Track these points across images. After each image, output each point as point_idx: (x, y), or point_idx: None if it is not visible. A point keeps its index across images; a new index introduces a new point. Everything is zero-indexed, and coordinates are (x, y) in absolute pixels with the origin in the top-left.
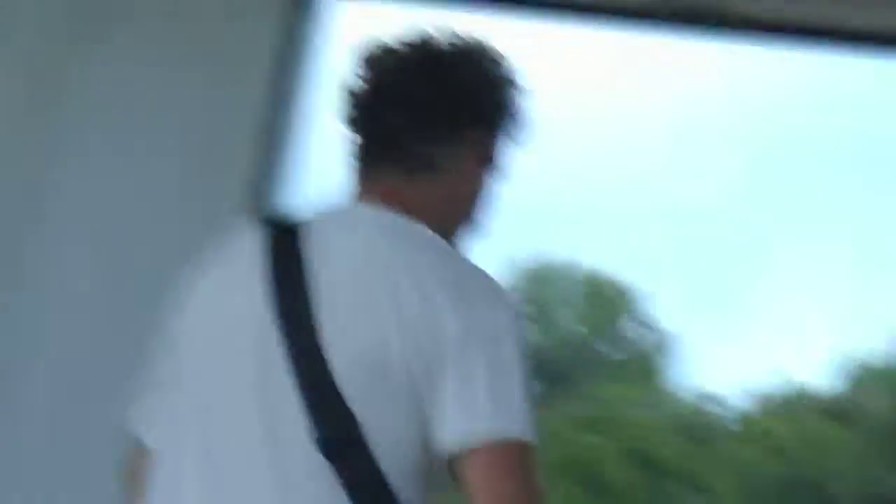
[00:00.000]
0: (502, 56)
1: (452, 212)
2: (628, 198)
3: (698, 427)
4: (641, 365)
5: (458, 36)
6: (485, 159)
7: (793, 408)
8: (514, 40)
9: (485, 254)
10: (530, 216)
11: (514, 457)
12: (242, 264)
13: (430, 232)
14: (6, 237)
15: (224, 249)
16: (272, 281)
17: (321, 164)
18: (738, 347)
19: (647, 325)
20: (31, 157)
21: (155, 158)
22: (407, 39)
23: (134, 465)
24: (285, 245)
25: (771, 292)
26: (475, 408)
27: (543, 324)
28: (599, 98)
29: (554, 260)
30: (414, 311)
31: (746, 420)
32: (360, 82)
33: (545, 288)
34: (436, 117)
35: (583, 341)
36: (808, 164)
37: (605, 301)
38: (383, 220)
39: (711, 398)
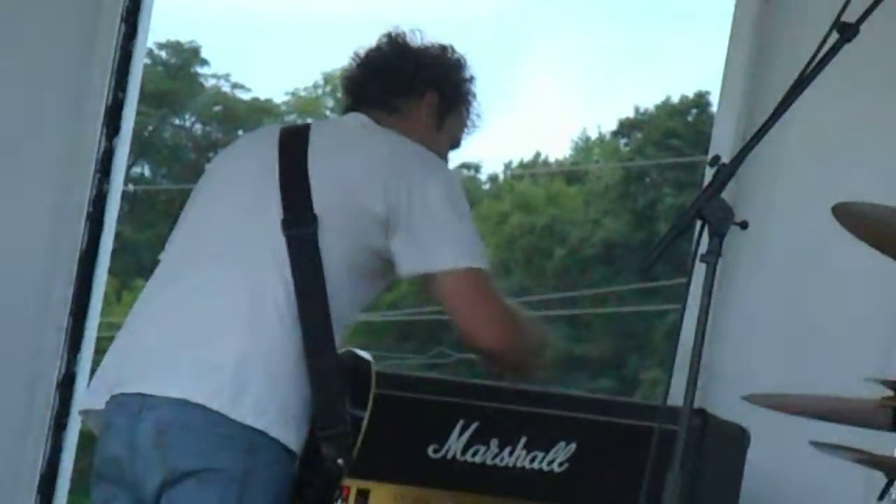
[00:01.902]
0: (453, 51)
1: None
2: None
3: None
4: None
5: (421, 36)
6: (437, 113)
7: (537, 172)
8: None
9: None
10: None
11: (478, 280)
12: (262, 138)
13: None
14: None
15: (248, 136)
16: (280, 148)
17: None
18: (495, 123)
19: None
20: None
21: None
22: (384, 39)
23: None
24: (295, 130)
25: (527, 76)
26: (438, 244)
27: None
28: None
29: None
30: (380, 166)
31: (499, 183)
32: (353, 66)
33: None
34: (398, 81)
35: None
36: None
37: None
38: (366, 121)
39: (469, 166)
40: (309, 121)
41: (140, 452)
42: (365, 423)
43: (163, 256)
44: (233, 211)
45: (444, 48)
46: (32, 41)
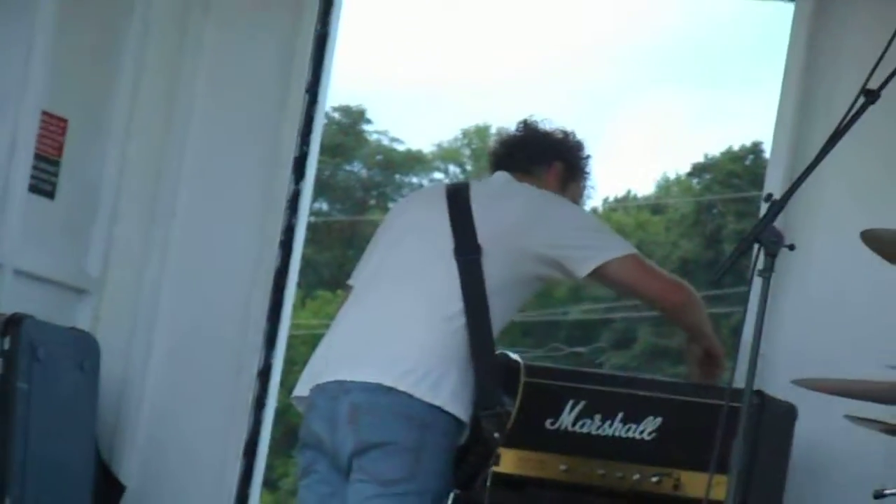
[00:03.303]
0: (574, 135)
1: None
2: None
3: None
4: None
5: (549, 123)
6: (561, 179)
7: (628, 205)
8: None
9: None
10: None
11: (641, 260)
12: (432, 192)
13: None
14: None
15: (420, 192)
16: (448, 198)
17: None
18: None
19: None
20: None
21: None
22: (521, 124)
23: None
24: (458, 185)
25: (618, 131)
26: (598, 245)
27: None
28: None
29: None
30: (525, 208)
31: (598, 214)
32: (497, 143)
33: None
34: (532, 151)
35: None
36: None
37: None
38: (510, 178)
39: None
40: (455, 169)
41: (338, 427)
42: (516, 407)
43: (353, 282)
44: (413, 245)
45: (566, 132)
46: (241, 110)
